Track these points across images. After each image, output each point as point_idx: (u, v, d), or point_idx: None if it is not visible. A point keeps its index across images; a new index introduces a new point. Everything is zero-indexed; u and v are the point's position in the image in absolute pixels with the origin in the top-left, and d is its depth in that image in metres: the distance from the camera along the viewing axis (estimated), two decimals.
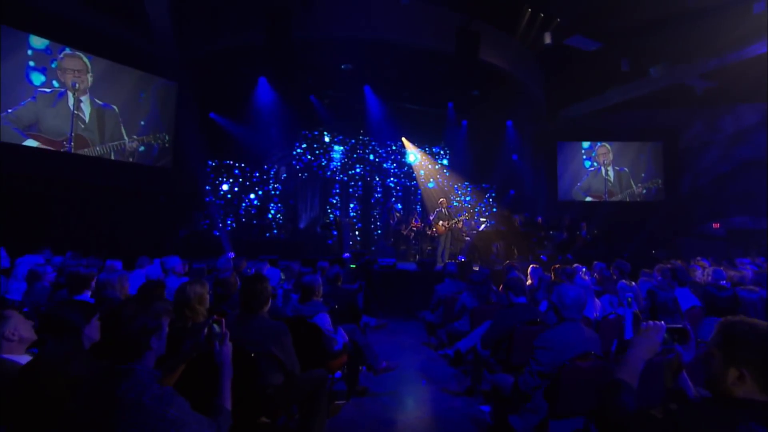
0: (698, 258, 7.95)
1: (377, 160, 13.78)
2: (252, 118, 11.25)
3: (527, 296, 3.53)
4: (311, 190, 13.02)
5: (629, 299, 2.94)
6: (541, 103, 12.49)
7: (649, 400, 1.61)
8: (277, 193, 12.60)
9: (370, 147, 13.71)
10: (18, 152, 7.32)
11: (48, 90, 7.71)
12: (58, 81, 7.87)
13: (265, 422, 2.45)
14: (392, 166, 13.95)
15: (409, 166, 13.98)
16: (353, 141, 13.50)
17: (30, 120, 7.46)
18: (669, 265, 5.77)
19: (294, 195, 12.73)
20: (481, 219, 12.48)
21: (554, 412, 2.27)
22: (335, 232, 10.88)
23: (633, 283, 3.71)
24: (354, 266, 7.61)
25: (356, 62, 10.30)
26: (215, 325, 1.69)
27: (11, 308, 1.90)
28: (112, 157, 8.89)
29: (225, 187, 12.05)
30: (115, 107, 8.86)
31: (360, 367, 4.04)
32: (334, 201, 13.28)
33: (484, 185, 14.35)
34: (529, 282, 4.97)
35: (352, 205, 13.50)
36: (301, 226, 12.60)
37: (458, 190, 14.32)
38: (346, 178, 13.43)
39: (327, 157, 13.17)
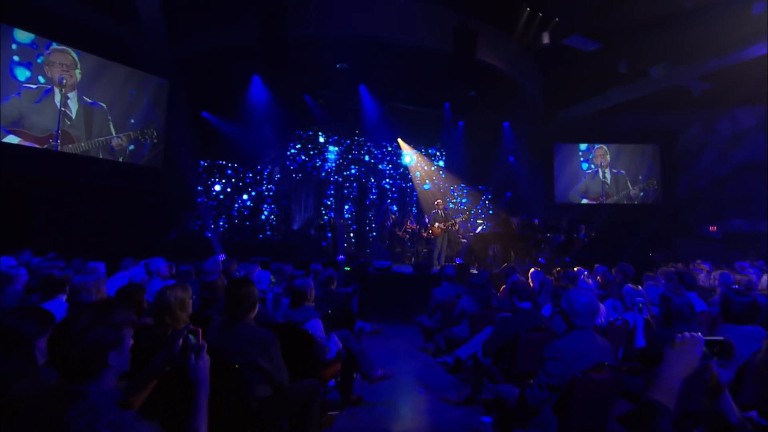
0: (698, 261, 7.84)
1: (373, 161, 13.62)
2: (245, 117, 11.04)
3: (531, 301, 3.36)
4: (305, 192, 12.82)
5: (640, 305, 2.77)
6: (539, 104, 12.38)
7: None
8: (271, 194, 12.39)
9: (366, 148, 13.55)
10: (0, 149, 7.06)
11: (33, 86, 7.46)
12: (44, 77, 7.62)
13: None
14: (388, 168, 13.79)
15: (405, 168, 13.83)
16: (348, 141, 13.33)
17: (13, 116, 7.20)
18: (672, 269, 5.64)
19: (288, 196, 12.52)
20: (478, 221, 12.35)
21: (565, 428, 2.09)
22: (330, 234, 10.71)
23: (640, 287, 3.54)
24: (349, 269, 7.42)
25: (352, 61, 10.12)
26: (191, 336, 1.49)
27: None
28: (101, 156, 8.63)
29: (217, 187, 11.82)
30: (103, 105, 8.61)
31: (354, 375, 3.84)
32: (329, 202, 13.09)
33: (480, 187, 14.21)
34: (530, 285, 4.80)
35: (347, 207, 13.32)
36: (295, 227, 12.39)
37: (454, 192, 14.17)
38: (341, 179, 13.25)
39: (321, 157, 12.99)
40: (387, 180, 13.79)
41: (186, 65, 9.77)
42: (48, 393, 1.13)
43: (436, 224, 9.16)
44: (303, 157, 12.78)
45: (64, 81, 7.83)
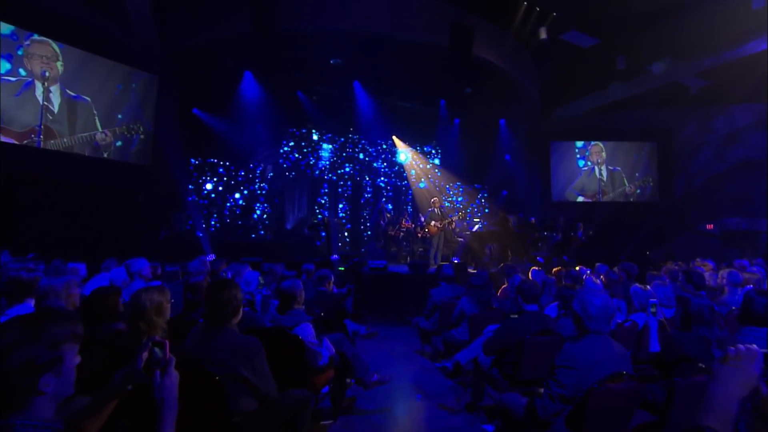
0: (698, 259, 7.70)
1: (367, 159, 13.41)
2: (237, 114, 10.79)
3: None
4: (299, 190, 12.59)
5: (654, 306, 2.59)
6: (535, 101, 12.25)
7: None
8: (264, 192, 12.14)
9: (360, 145, 13.34)
10: None
11: (13, 78, 7.16)
12: (25, 69, 7.33)
13: None
14: (383, 166, 13.59)
15: (400, 166, 13.64)
16: (342, 139, 13.11)
17: None
18: (676, 267, 5.50)
19: (281, 195, 12.28)
20: (474, 219, 12.19)
21: None
22: (323, 234, 10.50)
23: (649, 287, 3.37)
24: (343, 269, 7.22)
25: (346, 57, 9.91)
26: (156, 349, 1.28)
27: None
28: (85, 153, 8.35)
29: (209, 186, 11.55)
30: (88, 99, 8.32)
31: (348, 381, 3.64)
32: (323, 201, 12.87)
33: (476, 185, 14.06)
34: None
35: (341, 206, 13.10)
36: (288, 227, 12.16)
37: (450, 191, 14.01)
38: (335, 178, 13.03)
39: (315, 155, 12.76)
40: (382, 178, 13.59)
41: (176, 60, 9.50)
42: None
43: (433, 223, 8.98)
44: (296, 155, 12.54)
45: (47, 74, 7.54)
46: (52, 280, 2.50)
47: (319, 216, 12.31)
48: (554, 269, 5.30)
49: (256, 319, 3.08)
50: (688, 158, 13.46)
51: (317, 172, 12.78)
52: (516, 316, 2.99)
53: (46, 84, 7.60)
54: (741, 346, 1.06)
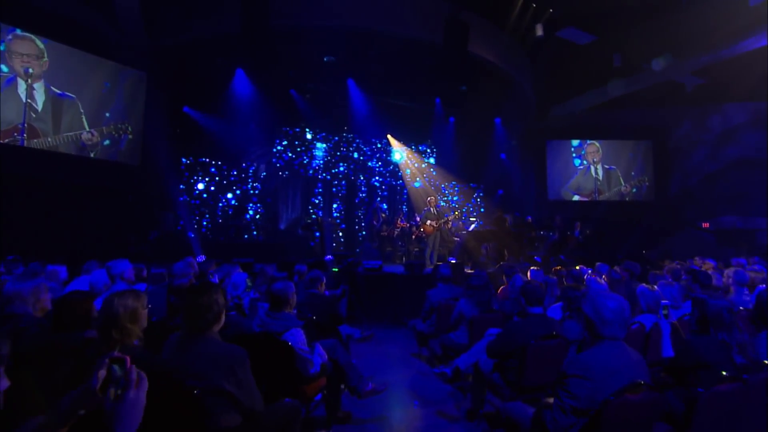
0: (697, 258, 7.60)
1: (362, 158, 13.24)
2: (229, 112, 10.56)
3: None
4: (292, 190, 12.39)
5: (666, 308, 2.44)
6: (531, 100, 12.14)
7: None
8: (256, 192, 11.93)
9: (354, 144, 13.16)
10: None
11: None
12: (7, 65, 7.08)
13: None
14: (377, 165, 13.42)
15: (395, 165, 13.47)
16: (336, 138, 12.92)
17: None
18: (678, 266, 5.37)
19: (274, 195, 12.07)
20: (471, 219, 12.06)
21: None
22: (317, 234, 10.32)
23: (656, 288, 3.23)
24: (337, 269, 7.04)
25: (339, 54, 9.73)
26: (115, 366, 1.10)
27: None
28: (72, 152, 8.11)
29: (200, 186, 11.32)
30: (74, 97, 8.08)
31: (341, 387, 3.46)
32: (317, 201, 12.68)
33: (471, 185, 13.93)
34: None
35: (335, 206, 12.91)
36: (282, 227, 11.95)
37: (445, 190, 13.87)
38: (329, 177, 12.84)
39: (309, 154, 12.57)
40: (377, 177, 13.42)
41: (165, 57, 9.28)
42: None
43: (428, 222, 8.82)
44: (290, 154, 12.34)
45: (31, 71, 7.29)
46: (18, 285, 2.30)
47: (313, 216, 12.12)
48: (555, 268, 5.16)
49: (244, 324, 2.89)
50: (684, 157, 13.43)
51: (311, 172, 12.59)
52: (519, 318, 2.83)
53: (29, 81, 7.37)
54: None
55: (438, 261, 8.58)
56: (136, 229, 9.30)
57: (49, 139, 7.65)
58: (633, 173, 13.96)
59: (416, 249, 10.46)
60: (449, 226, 9.88)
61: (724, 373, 1.86)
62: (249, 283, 3.78)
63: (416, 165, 13.37)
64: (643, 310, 3.24)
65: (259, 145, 11.82)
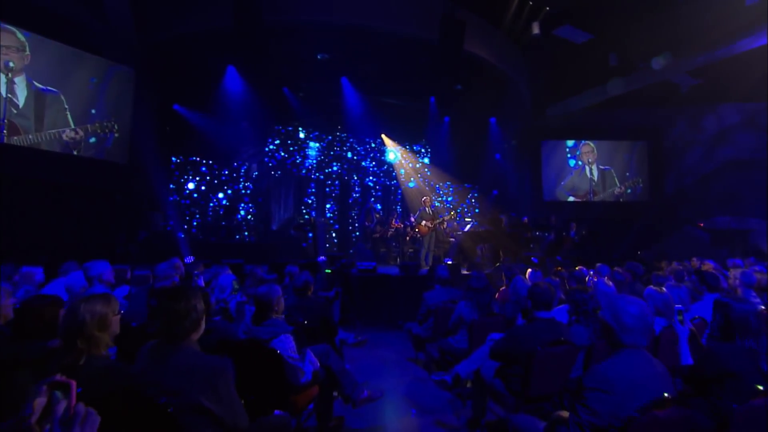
0: (694, 258, 7.52)
1: (355, 157, 13.05)
2: (220, 111, 10.32)
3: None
4: (285, 190, 12.17)
5: (681, 313, 2.29)
6: (526, 99, 12.05)
7: None
8: (248, 192, 11.70)
9: (348, 144, 12.97)
10: None
11: None
12: None
13: None
14: (371, 165, 13.24)
15: (389, 165, 13.30)
16: (330, 137, 12.74)
17: None
18: (680, 267, 5.25)
19: (266, 194, 11.84)
20: (466, 219, 11.93)
21: None
22: (310, 234, 10.12)
23: (664, 290, 3.08)
24: (329, 271, 6.84)
25: (333, 51, 9.56)
26: (57, 393, 0.91)
27: None
28: (56, 149, 7.83)
29: (191, 185, 11.06)
30: (58, 92, 7.81)
31: (334, 394, 3.27)
32: (310, 201, 12.47)
33: (466, 185, 13.80)
34: None
35: (328, 206, 12.72)
36: (274, 227, 11.72)
37: (440, 190, 13.73)
38: (322, 177, 12.64)
39: (302, 154, 12.37)
40: (371, 177, 13.24)
41: (154, 53, 9.04)
42: None
43: (423, 222, 8.67)
44: (282, 154, 12.13)
45: (11, 64, 7.02)
46: None
47: (306, 216, 11.91)
48: (557, 269, 5.01)
49: (229, 330, 2.69)
50: (679, 157, 13.42)
51: (304, 171, 12.38)
52: (525, 322, 2.66)
53: (9, 75, 7.08)
54: None
55: (433, 262, 8.43)
56: (124, 230, 9.03)
57: (31, 136, 7.37)
58: (628, 174, 13.91)
59: (411, 250, 10.30)
60: (444, 226, 9.74)
61: (760, 387, 1.69)
62: (236, 286, 3.57)
63: (410, 165, 13.23)
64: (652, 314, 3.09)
65: (250, 144, 11.60)
